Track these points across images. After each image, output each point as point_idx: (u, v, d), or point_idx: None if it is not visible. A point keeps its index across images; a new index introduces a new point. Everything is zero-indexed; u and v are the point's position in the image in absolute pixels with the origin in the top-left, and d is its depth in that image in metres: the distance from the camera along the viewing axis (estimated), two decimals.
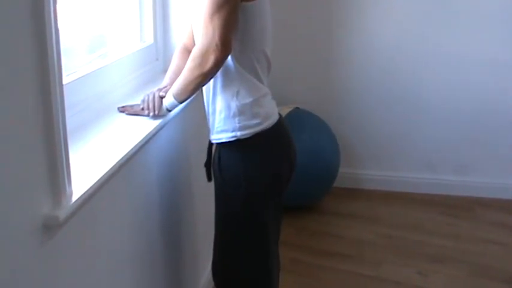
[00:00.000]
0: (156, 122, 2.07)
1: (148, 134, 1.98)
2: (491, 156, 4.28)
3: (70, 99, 1.65)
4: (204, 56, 1.91)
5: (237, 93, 2.03)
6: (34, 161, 1.33)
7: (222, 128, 2.08)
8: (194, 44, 2.17)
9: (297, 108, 4.01)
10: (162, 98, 2.10)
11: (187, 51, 2.23)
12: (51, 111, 1.34)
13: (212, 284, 2.37)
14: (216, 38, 1.87)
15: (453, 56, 4.12)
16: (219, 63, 1.92)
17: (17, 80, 1.24)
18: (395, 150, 4.42)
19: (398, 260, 3.51)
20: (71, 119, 1.68)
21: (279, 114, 2.19)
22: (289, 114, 3.84)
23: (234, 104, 2.04)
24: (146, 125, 2.03)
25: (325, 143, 3.97)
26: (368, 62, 4.26)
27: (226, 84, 2.04)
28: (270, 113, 2.11)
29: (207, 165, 2.27)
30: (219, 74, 2.02)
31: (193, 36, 2.20)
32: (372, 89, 4.30)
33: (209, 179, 2.27)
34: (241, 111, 2.04)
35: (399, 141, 4.38)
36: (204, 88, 2.14)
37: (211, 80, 2.05)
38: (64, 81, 1.44)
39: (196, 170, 2.73)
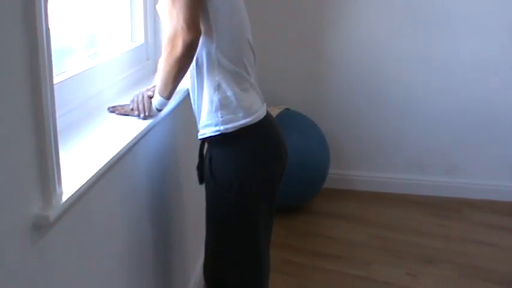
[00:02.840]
0: (147, 122, 2.06)
1: (139, 134, 1.97)
2: (481, 158, 4.30)
3: (60, 99, 1.65)
4: (173, 41, 1.91)
5: (218, 86, 2.02)
6: (24, 160, 1.32)
7: (206, 122, 2.07)
8: None
9: (287, 109, 4.02)
10: (150, 97, 2.10)
11: None
12: (42, 111, 1.33)
13: (202, 283, 2.37)
14: (181, 21, 1.87)
15: (443, 58, 4.14)
16: (188, 45, 1.90)
17: (8, 79, 1.23)
18: (385, 151, 4.43)
19: (388, 261, 3.52)
20: (61, 118, 1.68)
21: (267, 111, 2.18)
22: (279, 115, 3.85)
23: (215, 98, 2.03)
24: (136, 125, 2.03)
25: (315, 144, 3.97)
26: (359, 63, 4.27)
27: (207, 78, 2.03)
28: (255, 108, 2.09)
29: (199, 167, 2.26)
30: (202, 68, 2.02)
31: None
32: (362, 91, 4.31)
33: (201, 182, 2.26)
34: (223, 105, 2.03)
35: (389, 143, 4.40)
36: (189, 86, 2.14)
37: (194, 76, 2.06)
38: (54, 81, 1.43)
39: (187, 170, 2.73)
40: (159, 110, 2.12)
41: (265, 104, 2.18)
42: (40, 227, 1.38)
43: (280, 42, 4.26)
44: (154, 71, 2.36)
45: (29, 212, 1.34)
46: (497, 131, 4.22)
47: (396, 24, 4.16)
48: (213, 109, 2.04)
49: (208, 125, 2.07)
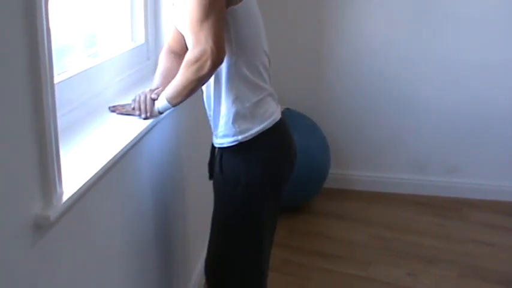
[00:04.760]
0: (148, 122, 2.06)
1: (140, 133, 1.97)
2: (481, 158, 4.30)
3: (61, 99, 1.65)
4: (199, 61, 1.90)
5: (237, 98, 2.05)
6: (25, 160, 1.32)
7: (224, 133, 2.09)
8: (179, 46, 2.25)
9: (288, 109, 4.01)
10: (153, 100, 2.09)
11: (173, 52, 2.29)
12: (42, 110, 1.34)
13: (203, 281, 2.37)
14: (211, 44, 1.87)
15: (444, 58, 4.13)
16: (216, 67, 1.92)
17: (8, 79, 1.23)
18: (386, 151, 4.43)
19: (389, 261, 3.52)
20: (62, 118, 1.67)
21: (282, 113, 2.20)
22: None
23: (233, 110, 2.05)
24: (137, 125, 2.03)
25: (315, 144, 3.97)
26: (359, 64, 4.27)
27: (226, 90, 2.05)
28: (271, 112, 2.12)
29: (210, 164, 2.27)
30: (220, 80, 2.04)
31: (177, 38, 2.25)
32: (363, 91, 4.31)
33: (211, 178, 2.27)
34: (240, 115, 2.06)
35: (389, 142, 4.40)
36: (204, 93, 2.15)
37: (211, 86, 2.07)
38: (55, 80, 1.43)
39: (189, 168, 2.74)
40: (161, 113, 2.12)
41: (279, 106, 2.20)
42: (41, 226, 1.38)
43: (281, 42, 4.25)
44: (155, 70, 2.35)
45: (30, 211, 1.35)
46: (497, 131, 4.22)
47: (397, 25, 4.16)
48: (231, 121, 2.07)
49: (226, 136, 2.09)
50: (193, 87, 1.99)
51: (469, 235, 3.84)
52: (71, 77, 1.95)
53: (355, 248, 3.68)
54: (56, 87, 1.44)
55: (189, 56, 1.94)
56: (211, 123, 2.17)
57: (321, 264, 3.48)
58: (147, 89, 2.14)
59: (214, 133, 2.15)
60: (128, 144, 1.85)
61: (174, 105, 2.08)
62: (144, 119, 2.08)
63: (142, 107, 2.08)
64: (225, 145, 2.11)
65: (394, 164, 4.44)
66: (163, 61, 2.29)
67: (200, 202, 2.89)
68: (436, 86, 4.21)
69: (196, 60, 1.91)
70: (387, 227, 3.94)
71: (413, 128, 4.33)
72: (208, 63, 1.89)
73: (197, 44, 1.90)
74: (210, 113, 2.15)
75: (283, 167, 2.20)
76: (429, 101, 4.25)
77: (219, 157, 2.15)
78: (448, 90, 4.20)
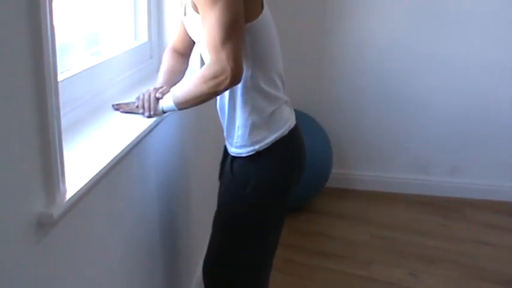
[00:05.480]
0: (152, 120, 2.06)
1: (144, 131, 1.97)
2: (483, 158, 4.30)
3: (64, 97, 1.65)
4: (218, 79, 1.89)
5: (253, 110, 2.06)
6: (28, 158, 1.32)
7: (240, 144, 2.10)
8: (184, 46, 2.28)
9: None
10: (158, 99, 2.09)
11: (176, 51, 2.29)
12: (46, 109, 1.33)
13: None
14: (231, 64, 1.87)
15: (446, 58, 4.14)
16: (233, 85, 1.94)
17: (12, 78, 1.23)
18: (388, 151, 4.43)
19: (390, 261, 3.52)
20: (66, 116, 1.68)
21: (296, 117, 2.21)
22: None
23: (250, 122, 2.07)
24: (141, 123, 2.03)
25: (318, 144, 3.97)
26: (362, 63, 4.27)
27: (242, 102, 2.06)
28: (286, 119, 2.13)
29: (223, 163, 2.28)
30: (235, 92, 2.05)
31: (183, 39, 2.26)
32: (365, 90, 4.31)
33: (221, 177, 2.28)
34: (256, 126, 2.07)
35: (391, 142, 4.40)
36: (218, 102, 2.16)
37: (227, 98, 2.08)
38: (58, 79, 1.43)
39: (193, 166, 2.74)
40: (165, 112, 2.11)
41: (293, 112, 2.22)
42: (44, 225, 1.38)
43: (284, 42, 4.22)
44: (158, 69, 2.35)
45: (33, 209, 1.34)
46: (499, 132, 4.22)
47: (400, 25, 4.16)
48: (247, 133, 2.08)
49: (243, 146, 2.10)
50: (206, 99, 2.00)
51: (471, 235, 3.84)
52: (73, 75, 1.95)
53: (357, 247, 3.68)
54: (59, 86, 1.43)
55: (207, 71, 1.92)
56: (225, 130, 2.17)
57: (322, 264, 3.48)
58: (151, 88, 2.14)
59: (229, 141, 2.16)
60: (131, 142, 1.85)
61: (179, 109, 2.08)
62: (148, 117, 2.07)
63: (146, 105, 2.08)
64: (243, 155, 2.11)
65: (396, 164, 4.45)
66: (167, 59, 2.29)
67: (204, 200, 2.89)
68: (439, 86, 4.21)
69: (215, 77, 1.90)
70: (389, 226, 3.94)
71: (416, 128, 4.33)
72: (227, 81, 1.89)
73: (217, 61, 1.89)
74: (224, 121, 2.16)
75: (294, 170, 2.20)
76: (431, 101, 4.25)
77: (230, 158, 2.16)
78: (450, 91, 4.20)
